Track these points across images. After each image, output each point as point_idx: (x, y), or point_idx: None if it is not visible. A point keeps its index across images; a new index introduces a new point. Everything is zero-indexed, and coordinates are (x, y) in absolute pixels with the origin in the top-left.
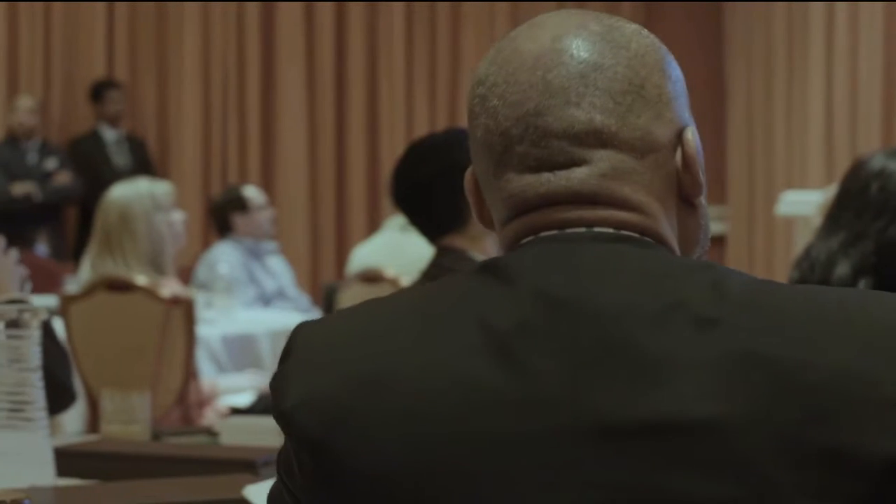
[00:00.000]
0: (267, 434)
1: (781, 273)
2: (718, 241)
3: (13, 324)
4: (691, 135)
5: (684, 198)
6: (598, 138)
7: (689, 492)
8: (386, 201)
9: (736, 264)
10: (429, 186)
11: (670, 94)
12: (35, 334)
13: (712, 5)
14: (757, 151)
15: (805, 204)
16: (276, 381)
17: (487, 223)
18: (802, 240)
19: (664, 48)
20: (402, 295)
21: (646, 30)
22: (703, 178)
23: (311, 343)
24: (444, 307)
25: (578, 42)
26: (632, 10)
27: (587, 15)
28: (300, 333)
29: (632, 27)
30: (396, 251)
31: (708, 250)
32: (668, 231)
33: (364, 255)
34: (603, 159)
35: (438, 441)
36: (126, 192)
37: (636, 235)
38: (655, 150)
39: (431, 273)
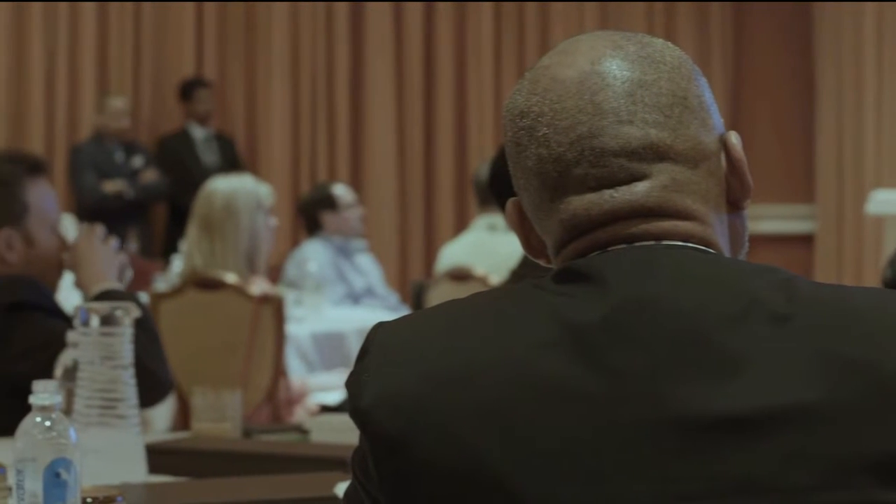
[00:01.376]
0: (356, 432)
1: (870, 272)
2: (807, 240)
3: (106, 321)
4: (735, 139)
5: (732, 202)
6: (656, 152)
7: (768, 482)
8: (474, 200)
9: (824, 263)
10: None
11: (708, 102)
12: (127, 331)
13: (801, 5)
14: (846, 150)
15: (895, 203)
16: (353, 380)
17: (535, 252)
18: (892, 238)
19: (689, 58)
20: (480, 295)
21: (670, 42)
22: (749, 180)
23: (389, 342)
24: (522, 305)
25: (618, 62)
26: (720, 11)
27: (615, 35)
28: (377, 332)
29: (659, 41)
30: (485, 250)
31: (748, 251)
32: (721, 237)
33: (453, 253)
34: (662, 172)
35: (518, 436)
36: (233, 185)
37: (701, 247)
38: (706, 158)
39: (520, 272)
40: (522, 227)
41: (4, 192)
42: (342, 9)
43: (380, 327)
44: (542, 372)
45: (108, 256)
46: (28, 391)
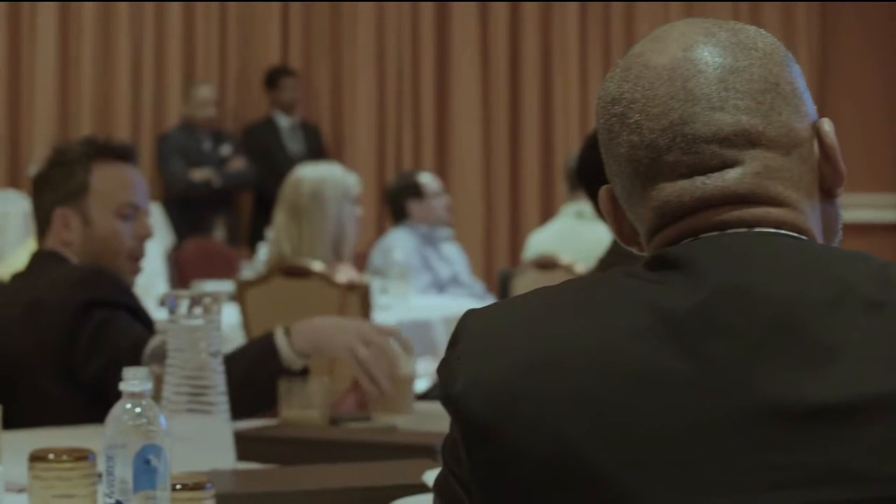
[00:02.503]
0: (444, 420)
1: None
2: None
3: (195, 308)
4: (828, 126)
5: (825, 189)
6: (747, 138)
7: (862, 471)
8: (560, 188)
9: None
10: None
11: (801, 89)
12: (216, 319)
13: (890, 4)
14: None
15: None
16: (444, 366)
17: (627, 239)
18: None
19: (782, 45)
20: (572, 282)
21: (762, 28)
22: (842, 168)
23: (479, 329)
24: (615, 292)
25: (710, 49)
26: (806, 10)
27: (706, 22)
28: (468, 320)
29: (752, 28)
30: (572, 238)
31: (842, 238)
32: (815, 224)
33: (540, 241)
34: (755, 158)
35: (610, 423)
36: (321, 172)
37: (794, 234)
38: (799, 144)
39: (609, 260)
40: (615, 215)
41: (62, 171)
42: (428, 7)
43: (471, 314)
44: (635, 359)
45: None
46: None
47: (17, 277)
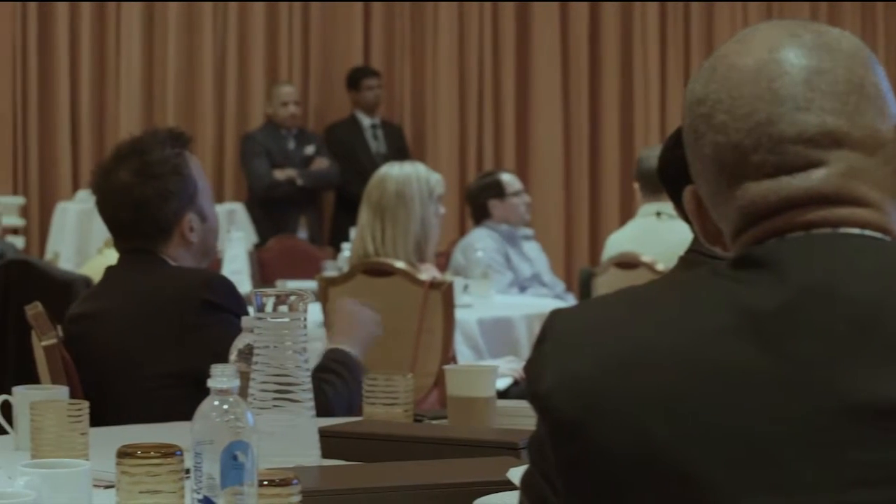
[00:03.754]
0: (527, 418)
1: None
2: None
3: (281, 306)
4: None
5: None
6: (832, 139)
7: None
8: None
9: None
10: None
11: (885, 90)
12: (302, 316)
13: None
14: None
15: None
16: (532, 364)
17: (711, 239)
18: None
19: (866, 46)
20: (657, 282)
21: (846, 31)
22: None
23: (567, 327)
24: (700, 292)
25: (795, 50)
26: (885, 10)
27: (792, 24)
28: (556, 318)
29: (836, 29)
30: (652, 238)
31: None
32: None
33: (619, 241)
34: (840, 159)
35: (696, 422)
36: (406, 171)
37: (878, 235)
38: (883, 145)
39: (689, 259)
40: (699, 214)
41: (180, 179)
42: (509, 7)
43: (558, 313)
44: (720, 358)
45: (355, 320)
46: (202, 388)
47: (123, 279)
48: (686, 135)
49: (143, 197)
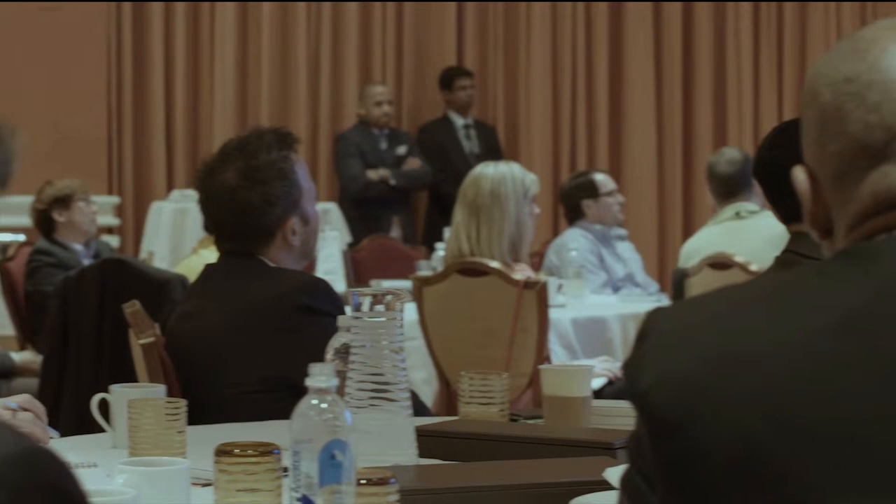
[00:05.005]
0: (622, 418)
1: None
2: None
3: (377, 305)
4: None
5: None
6: None
7: None
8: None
9: None
10: (786, 170)
11: None
12: (399, 315)
13: None
14: None
15: None
16: (631, 362)
17: (819, 223)
18: None
19: None
20: (756, 281)
21: None
22: None
23: (667, 325)
24: (802, 289)
25: None
26: None
27: None
28: (656, 316)
29: None
30: (732, 238)
31: None
32: None
33: (696, 245)
34: None
35: (799, 419)
36: (501, 171)
37: None
38: None
39: (785, 259)
40: (812, 195)
41: (285, 184)
42: (602, 7)
43: (658, 311)
44: (821, 356)
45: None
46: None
47: (221, 281)
48: (820, 113)
49: (247, 202)
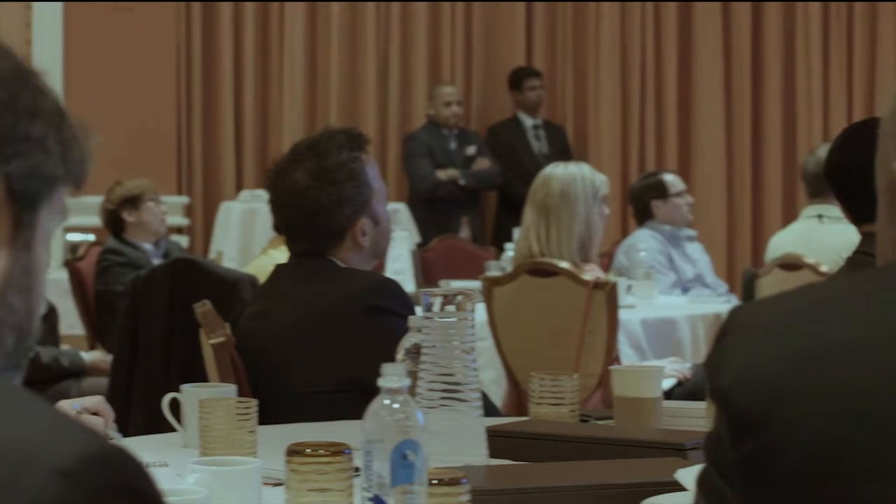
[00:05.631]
0: (692, 419)
1: None
2: None
3: (448, 305)
4: None
5: None
6: None
7: None
8: (802, 189)
9: None
10: (857, 171)
11: None
12: (470, 316)
13: None
14: None
15: None
16: (713, 359)
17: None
18: None
19: None
20: (835, 279)
21: None
22: None
23: (749, 322)
24: (884, 288)
25: None
26: None
27: None
28: (737, 313)
29: None
30: (814, 240)
31: None
32: None
33: (781, 243)
34: None
35: (882, 417)
36: (571, 171)
37: None
38: None
39: (856, 260)
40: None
41: (356, 185)
42: (671, 7)
43: (740, 309)
44: None
45: None
46: (371, 391)
47: (291, 281)
48: None
49: (317, 202)
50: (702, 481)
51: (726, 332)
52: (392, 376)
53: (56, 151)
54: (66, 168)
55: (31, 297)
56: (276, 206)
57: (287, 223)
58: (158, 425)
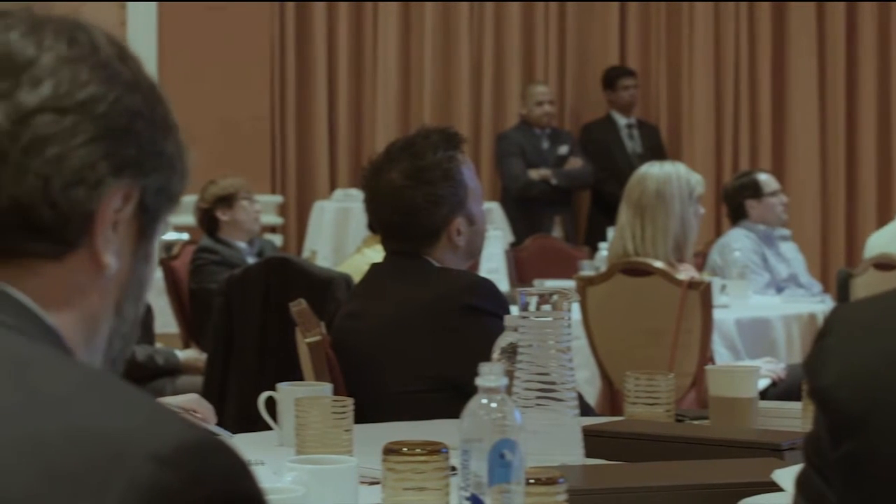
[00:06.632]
0: (788, 419)
1: None
2: None
3: (544, 305)
4: None
5: None
6: None
7: None
8: None
9: None
10: None
11: None
12: (566, 315)
13: None
14: None
15: None
16: (813, 358)
17: None
18: None
19: None
20: None
21: None
22: None
23: (850, 322)
24: None
25: None
26: None
27: None
28: (838, 313)
29: None
30: None
31: None
32: None
33: (877, 242)
34: None
35: None
36: (667, 171)
37: None
38: None
39: None
40: None
41: (451, 185)
42: (765, 7)
43: (841, 308)
44: None
45: None
46: (464, 391)
47: (386, 280)
48: None
49: (412, 202)
50: (801, 482)
51: (826, 333)
52: (490, 375)
53: (180, 169)
54: (183, 185)
55: (139, 306)
56: (372, 205)
57: (382, 223)
58: (252, 423)
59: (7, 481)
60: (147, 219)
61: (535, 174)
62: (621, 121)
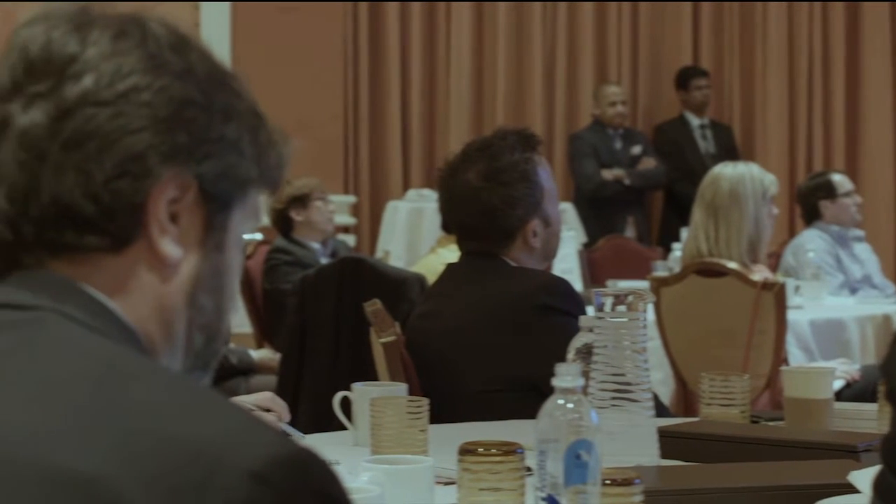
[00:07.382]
0: (863, 420)
1: None
2: None
3: (619, 306)
4: None
5: None
6: None
7: None
8: None
9: None
10: None
11: None
12: (641, 316)
13: None
14: None
15: None
16: (890, 360)
17: None
18: None
19: None
20: None
21: None
22: None
23: None
24: None
25: None
26: None
27: None
28: None
29: None
30: None
31: None
32: None
33: None
34: None
35: None
36: (740, 171)
37: None
38: None
39: None
40: None
41: (528, 186)
42: (838, 7)
43: None
44: None
45: None
46: (539, 390)
47: (462, 281)
48: None
49: (489, 203)
50: (879, 483)
51: None
52: (566, 376)
53: (250, 154)
54: (260, 171)
55: (221, 297)
56: (448, 206)
57: (458, 224)
58: (326, 423)
59: (105, 487)
60: (214, 207)
61: (608, 174)
62: (694, 121)
